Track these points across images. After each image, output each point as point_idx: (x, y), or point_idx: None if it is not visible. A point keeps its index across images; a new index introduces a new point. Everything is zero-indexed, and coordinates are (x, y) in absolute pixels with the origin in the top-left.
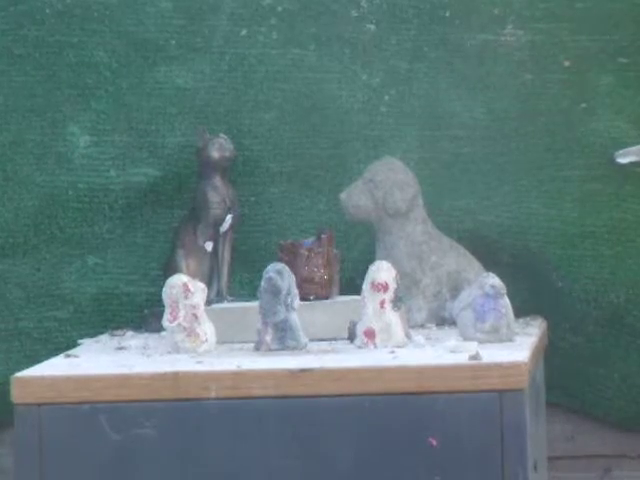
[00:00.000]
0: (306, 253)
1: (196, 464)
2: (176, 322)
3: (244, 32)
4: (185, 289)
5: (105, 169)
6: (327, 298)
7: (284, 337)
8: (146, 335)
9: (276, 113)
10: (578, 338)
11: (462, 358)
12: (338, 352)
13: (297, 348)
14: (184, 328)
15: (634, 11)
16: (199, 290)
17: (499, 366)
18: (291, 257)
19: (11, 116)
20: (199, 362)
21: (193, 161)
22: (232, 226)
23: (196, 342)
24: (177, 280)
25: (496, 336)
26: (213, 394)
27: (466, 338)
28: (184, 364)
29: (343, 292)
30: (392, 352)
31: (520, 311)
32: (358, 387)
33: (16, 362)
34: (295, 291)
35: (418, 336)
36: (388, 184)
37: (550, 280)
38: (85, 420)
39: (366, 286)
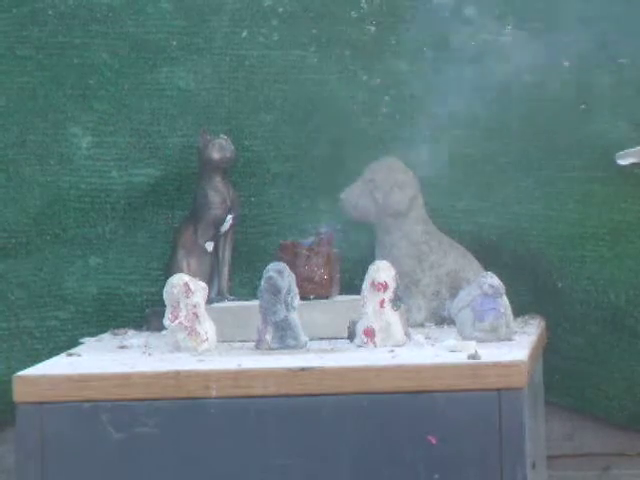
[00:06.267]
0: (306, 253)
1: (197, 462)
2: (177, 321)
3: (245, 33)
4: (186, 288)
5: (107, 170)
6: (327, 298)
7: (284, 336)
8: (147, 334)
9: (277, 114)
10: (578, 339)
11: (461, 357)
12: (338, 351)
13: (297, 347)
14: (185, 327)
15: (634, 11)
16: (200, 289)
17: (498, 365)
18: (291, 257)
19: (14, 117)
20: (200, 361)
21: (194, 162)
22: (232, 226)
23: (197, 341)
24: (178, 280)
25: (495, 335)
26: (214, 393)
27: (465, 337)
28: (185, 363)
29: (343, 292)
30: (391, 351)
31: (521, 312)
32: (358, 386)
33: (18, 361)
34: (295, 290)
35: (417, 335)
36: (388, 184)
37: (550, 281)
38: (86, 419)
39: (366, 286)
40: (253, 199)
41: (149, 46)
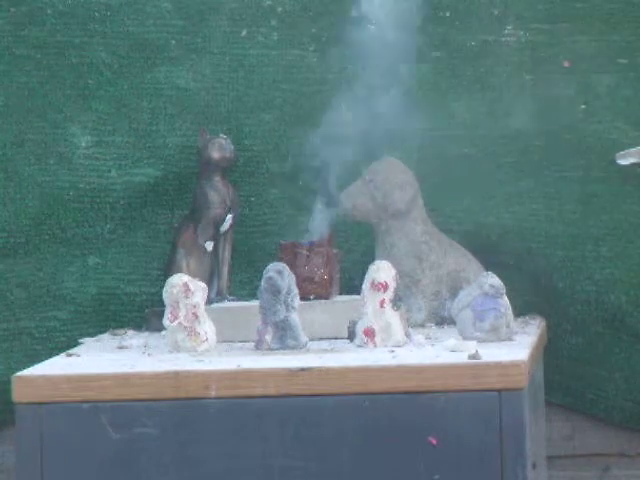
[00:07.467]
0: (306, 253)
1: (197, 463)
2: (177, 321)
3: (244, 33)
4: (186, 289)
5: (106, 169)
6: (327, 298)
7: (284, 336)
8: (147, 334)
9: (276, 113)
10: (579, 339)
11: (461, 357)
12: (338, 351)
13: (297, 347)
14: (185, 327)
15: (633, 11)
16: (199, 289)
17: (498, 365)
18: (291, 257)
19: (12, 116)
20: (199, 361)
21: (193, 161)
22: (232, 226)
23: (196, 341)
24: (178, 280)
25: (495, 335)
26: (213, 393)
27: (465, 337)
28: (184, 363)
29: (343, 292)
30: (392, 351)
31: (521, 312)
32: (358, 386)
33: (17, 361)
34: (295, 290)
35: (418, 335)
36: (388, 184)
37: (551, 281)
38: (86, 419)
39: (366, 286)
40: (253, 199)
41: (148, 45)
